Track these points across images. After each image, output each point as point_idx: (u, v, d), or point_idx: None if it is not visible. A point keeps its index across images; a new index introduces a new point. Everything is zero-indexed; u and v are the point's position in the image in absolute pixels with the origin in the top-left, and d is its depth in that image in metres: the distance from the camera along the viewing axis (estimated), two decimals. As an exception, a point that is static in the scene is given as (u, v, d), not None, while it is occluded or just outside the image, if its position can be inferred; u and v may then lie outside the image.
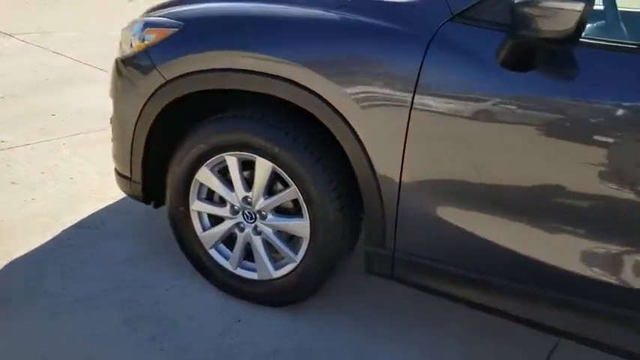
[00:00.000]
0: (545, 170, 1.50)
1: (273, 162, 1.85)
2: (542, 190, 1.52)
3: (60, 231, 2.49)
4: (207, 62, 1.83)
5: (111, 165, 3.10)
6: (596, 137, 1.43)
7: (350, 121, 1.67)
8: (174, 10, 2.02)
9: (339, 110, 1.67)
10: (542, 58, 1.47)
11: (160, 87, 1.94)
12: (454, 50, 1.56)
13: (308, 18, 1.73)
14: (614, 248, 1.49)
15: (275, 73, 1.72)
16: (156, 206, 2.28)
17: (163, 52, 1.93)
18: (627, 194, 1.43)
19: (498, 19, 1.51)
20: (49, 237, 2.44)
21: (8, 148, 3.29)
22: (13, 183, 2.89)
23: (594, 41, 1.48)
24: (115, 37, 7.55)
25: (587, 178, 1.45)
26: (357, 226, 1.96)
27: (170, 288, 2.17)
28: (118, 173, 2.27)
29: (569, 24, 1.31)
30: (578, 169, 1.46)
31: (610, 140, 1.43)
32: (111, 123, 2.26)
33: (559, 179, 1.49)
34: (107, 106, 4.09)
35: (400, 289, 2.10)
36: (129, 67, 2.06)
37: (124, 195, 2.85)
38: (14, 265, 2.24)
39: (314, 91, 1.68)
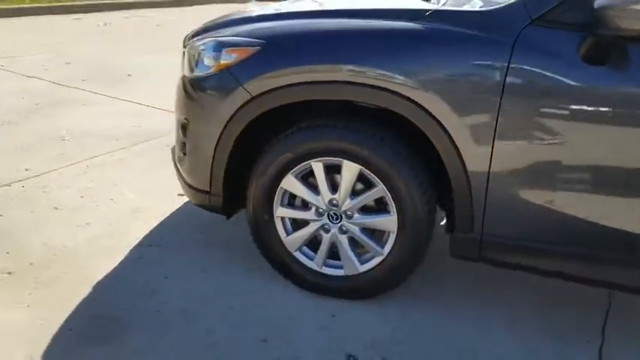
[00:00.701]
0: (623, 151, 1.73)
1: (360, 164, 2.00)
2: (621, 170, 1.76)
3: (126, 252, 2.53)
4: (304, 76, 1.95)
5: (143, 184, 3.19)
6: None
7: (444, 124, 1.84)
8: (245, 30, 2.13)
9: (435, 115, 1.84)
10: (617, 53, 1.70)
11: (246, 103, 2.05)
12: (535, 51, 1.76)
13: (400, 29, 1.89)
14: None
15: (376, 85, 1.87)
16: (228, 217, 2.37)
17: (248, 70, 2.03)
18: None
19: (573, 20, 1.74)
20: (118, 258, 2.48)
21: (35, 176, 3.26)
22: (55, 208, 2.89)
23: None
24: (82, 57, 7.30)
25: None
26: (434, 217, 2.14)
27: (255, 292, 2.27)
28: (192, 187, 2.33)
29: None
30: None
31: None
32: (183, 139, 2.31)
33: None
34: (111, 127, 4.16)
35: (467, 271, 2.32)
36: (207, 86, 2.15)
37: (169, 212, 2.95)
38: (102, 287, 2.27)
39: (412, 99, 1.84)
